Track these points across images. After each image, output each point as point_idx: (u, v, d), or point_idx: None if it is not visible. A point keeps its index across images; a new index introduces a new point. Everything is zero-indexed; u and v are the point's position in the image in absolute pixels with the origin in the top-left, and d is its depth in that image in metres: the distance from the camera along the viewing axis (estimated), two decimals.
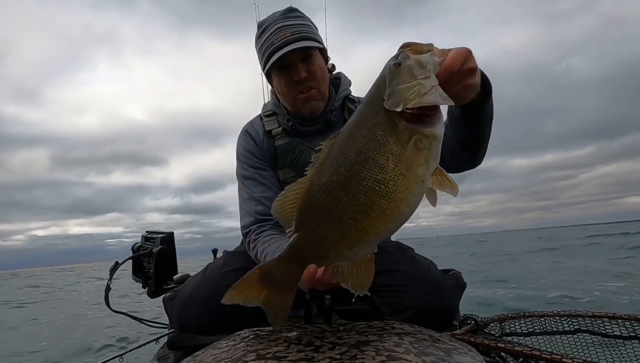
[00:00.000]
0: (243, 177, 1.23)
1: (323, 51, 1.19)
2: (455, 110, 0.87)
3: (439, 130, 0.60)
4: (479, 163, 1.05)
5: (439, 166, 0.61)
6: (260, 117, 1.29)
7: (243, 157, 1.24)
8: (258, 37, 1.16)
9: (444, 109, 0.65)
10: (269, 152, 1.23)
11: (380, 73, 0.63)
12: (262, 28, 1.15)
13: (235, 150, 1.29)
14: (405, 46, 0.60)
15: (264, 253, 1.04)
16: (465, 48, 0.62)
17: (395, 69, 0.59)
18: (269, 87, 1.31)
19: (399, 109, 0.57)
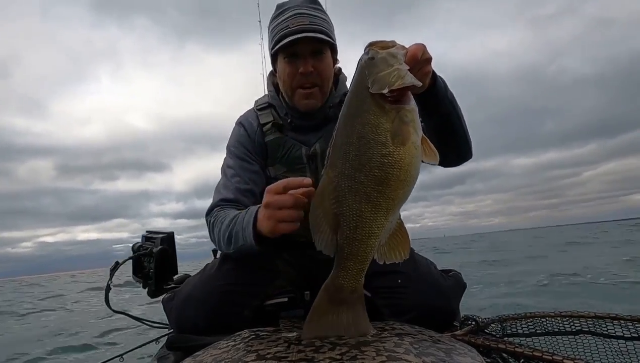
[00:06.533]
0: (227, 166, 1.21)
1: (334, 52, 1.17)
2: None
3: (415, 104, 0.72)
4: (466, 153, 1.09)
5: (424, 135, 0.71)
6: (254, 110, 1.27)
7: (233, 147, 1.23)
8: (274, 18, 1.14)
9: None
10: (260, 146, 1.20)
11: (357, 68, 0.73)
12: (281, 10, 1.13)
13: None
14: (372, 44, 0.71)
15: (224, 221, 1.03)
16: (422, 43, 0.75)
17: (371, 62, 0.70)
18: (272, 78, 1.27)
19: (385, 91, 0.67)
